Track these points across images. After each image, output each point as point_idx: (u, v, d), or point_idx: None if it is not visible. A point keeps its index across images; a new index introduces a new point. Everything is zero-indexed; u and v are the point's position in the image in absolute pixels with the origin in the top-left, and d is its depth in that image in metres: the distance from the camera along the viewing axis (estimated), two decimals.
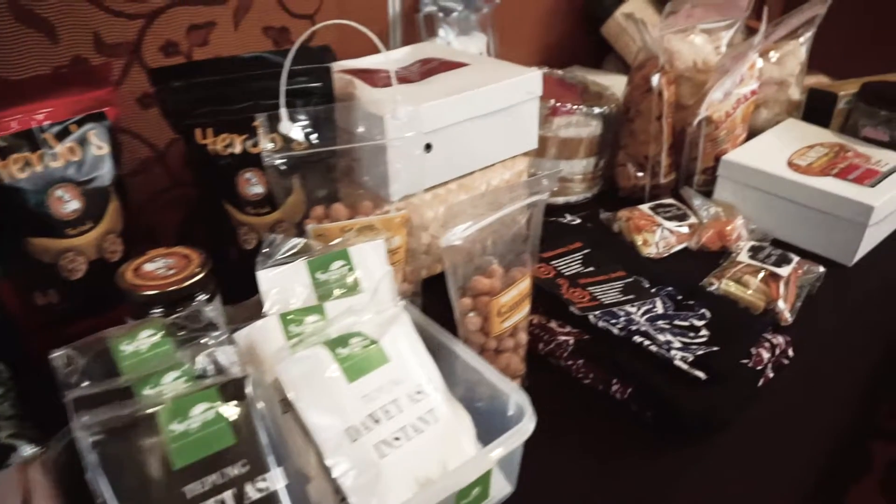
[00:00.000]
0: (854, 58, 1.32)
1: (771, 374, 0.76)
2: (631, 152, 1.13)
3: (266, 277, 0.61)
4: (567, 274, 0.86)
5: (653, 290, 0.84)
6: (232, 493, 0.47)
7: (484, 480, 0.55)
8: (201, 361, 0.53)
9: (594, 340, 0.76)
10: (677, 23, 1.14)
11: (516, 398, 0.58)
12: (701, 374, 0.69)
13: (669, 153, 1.11)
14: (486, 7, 1.20)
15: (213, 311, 0.58)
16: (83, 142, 0.72)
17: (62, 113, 0.71)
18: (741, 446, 0.74)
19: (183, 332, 0.56)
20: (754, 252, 0.93)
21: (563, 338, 0.77)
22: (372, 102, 0.77)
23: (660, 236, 0.99)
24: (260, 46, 1.01)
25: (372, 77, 0.86)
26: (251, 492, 0.47)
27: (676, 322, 0.78)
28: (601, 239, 0.98)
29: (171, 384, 0.51)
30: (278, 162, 0.71)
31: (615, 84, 1.19)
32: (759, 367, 0.74)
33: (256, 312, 0.60)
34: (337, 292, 0.62)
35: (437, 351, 0.61)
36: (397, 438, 0.53)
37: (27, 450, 0.59)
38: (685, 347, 0.73)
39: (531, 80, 0.89)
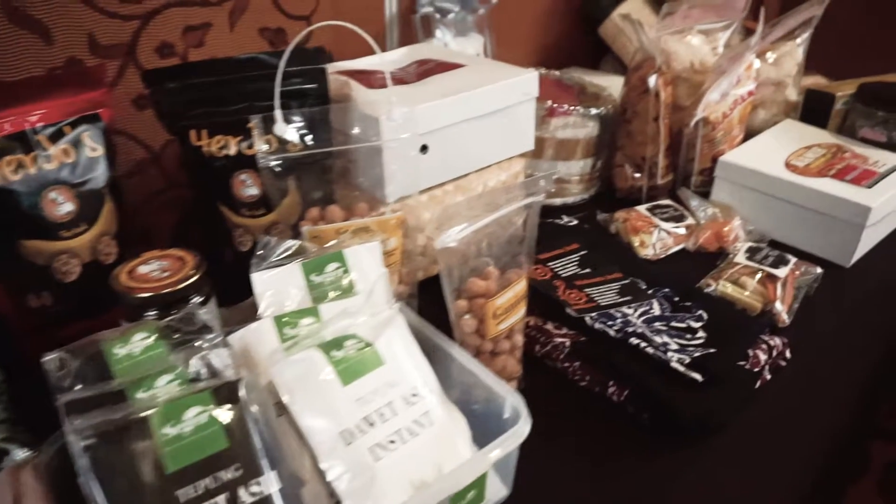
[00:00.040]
0: (851, 58, 1.32)
1: (768, 376, 0.76)
2: (628, 153, 1.13)
3: (260, 280, 0.61)
4: (564, 275, 0.86)
5: (650, 292, 0.84)
6: (225, 497, 0.46)
7: (479, 483, 0.55)
8: (195, 364, 0.52)
9: (591, 342, 0.76)
10: (674, 24, 1.14)
11: (512, 401, 0.58)
12: (697, 376, 0.69)
13: (667, 154, 1.11)
14: (482, 8, 1.20)
15: (207, 313, 0.58)
16: (77, 143, 0.72)
17: (56, 115, 0.71)
18: (738, 448, 0.74)
19: (177, 335, 0.55)
20: (751, 253, 0.93)
21: (560, 340, 0.77)
22: (367, 104, 0.77)
23: (657, 237, 0.99)
24: (256, 48, 1.01)
25: (368, 78, 0.86)
26: (244, 496, 0.47)
27: (673, 324, 0.78)
28: (598, 240, 0.97)
29: (165, 387, 0.51)
30: (273, 163, 0.70)
31: (612, 85, 1.19)
32: (757, 369, 0.74)
33: (251, 315, 0.60)
34: (332, 294, 0.62)
35: (432, 353, 0.61)
36: (392, 441, 0.53)
37: (19, 454, 0.59)
38: (682, 349, 0.73)
39: (527, 81, 0.89)
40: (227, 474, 0.47)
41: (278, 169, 0.71)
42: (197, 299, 0.65)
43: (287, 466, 0.51)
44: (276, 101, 0.71)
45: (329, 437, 0.51)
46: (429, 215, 0.85)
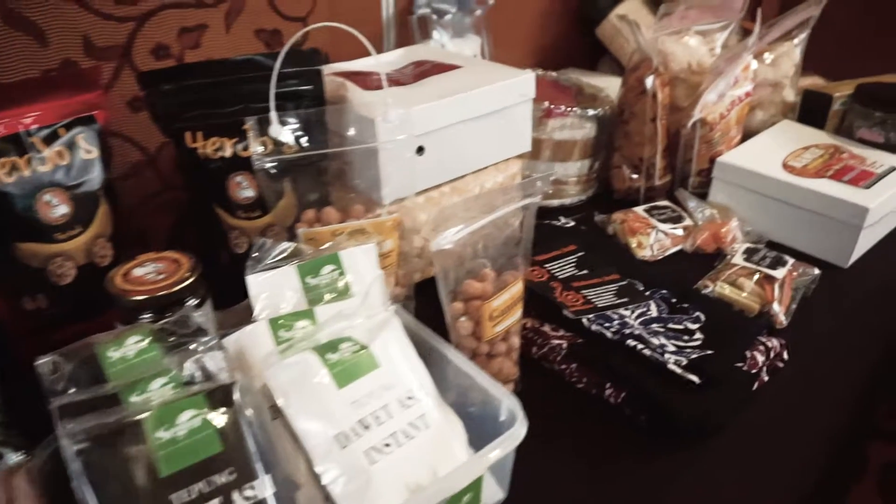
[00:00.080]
0: (849, 59, 1.32)
1: (766, 378, 0.76)
2: (626, 154, 1.13)
3: (255, 282, 0.61)
4: (561, 277, 0.86)
5: (647, 293, 0.84)
6: (219, 501, 0.46)
7: (475, 486, 0.55)
8: (189, 368, 0.52)
9: (588, 344, 0.76)
10: (671, 25, 1.14)
11: (508, 403, 0.58)
12: (695, 378, 0.69)
13: (664, 155, 1.11)
14: (479, 9, 1.20)
15: (202, 316, 0.57)
16: (72, 146, 0.72)
17: (50, 117, 0.70)
18: (736, 450, 0.74)
19: (172, 338, 0.55)
20: (749, 254, 0.92)
21: (557, 341, 0.77)
22: (363, 105, 0.77)
23: (654, 239, 0.99)
24: (252, 49, 1.01)
25: (364, 80, 0.86)
26: (238, 500, 0.46)
27: (670, 325, 0.77)
28: (595, 241, 0.97)
29: (159, 391, 0.50)
30: (269, 165, 0.70)
31: (610, 86, 1.19)
32: (754, 371, 0.74)
33: (246, 317, 0.60)
34: (327, 297, 0.62)
35: (428, 355, 0.61)
36: (388, 444, 0.53)
37: (12, 457, 0.58)
38: (679, 351, 0.73)
39: (524, 82, 0.89)
40: (221, 478, 0.46)
41: (274, 171, 0.71)
42: (192, 302, 0.65)
43: (282, 470, 0.51)
44: (272, 103, 0.71)
45: (324, 441, 0.51)
46: (425, 217, 0.85)
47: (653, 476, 0.66)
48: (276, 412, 0.52)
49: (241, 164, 0.77)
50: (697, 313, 0.80)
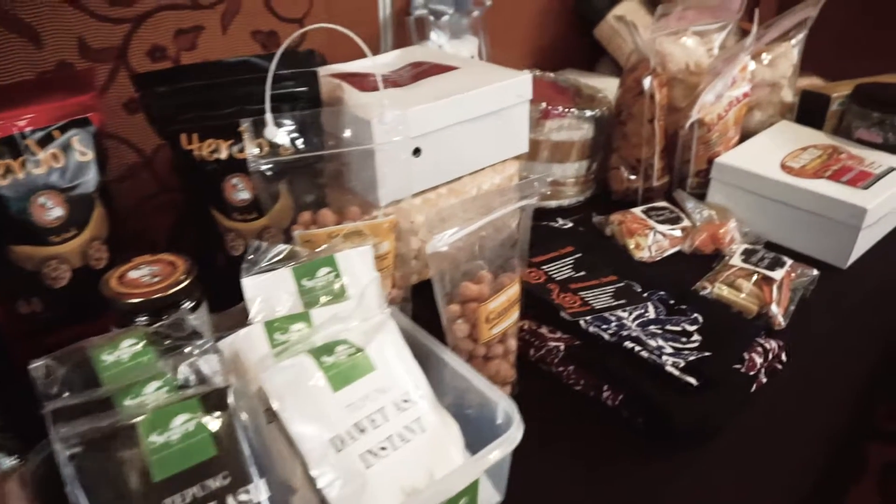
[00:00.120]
0: (847, 59, 1.31)
1: (764, 379, 0.75)
2: (623, 155, 1.13)
3: (251, 285, 0.60)
4: (558, 279, 0.85)
5: (645, 295, 0.83)
6: None
7: (472, 490, 0.54)
8: (183, 371, 0.52)
9: (585, 346, 0.76)
10: (669, 25, 1.14)
11: (504, 406, 0.57)
12: (692, 380, 0.69)
13: (662, 156, 1.10)
14: (477, 10, 1.20)
15: (196, 319, 0.57)
16: (66, 148, 0.71)
17: (45, 119, 0.70)
18: (734, 452, 0.73)
19: (167, 341, 0.55)
20: (747, 255, 0.92)
21: (554, 343, 0.77)
22: (359, 106, 0.77)
23: (652, 240, 0.99)
24: (248, 50, 1.00)
25: (360, 81, 0.85)
26: None
27: (668, 327, 0.77)
28: (593, 243, 0.97)
29: (153, 394, 0.50)
30: (264, 167, 0.70)
31: (609, 87, 1.19)
32: (752, 373, 0.74)
33: (242, 320, 0.60)
34: (323, 299, 0.61)
35: (425, 358, 0.61)
36: (383, 448, 0.53)
37: (6, 462, 0.58)
38: (677, 353, 0.72)
39: (521, 83, 0.88)
40: (216, 483, 0.46)
41: (269, 173, 0.71)
42: (187, 304, 0.65)
43: (277, 474, 0.51)
44: (267, 105, 0.70)
45: (319, 444, 0.51)
46: (422, 219, 0.84)
47: (650, 478, 0.66)
48: (272, 416, 0.52)
49: (237, 166, 0.76)
50: (695, 315, 0.79)
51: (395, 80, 0.89)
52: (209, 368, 0.52)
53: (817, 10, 1.16)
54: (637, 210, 1.05)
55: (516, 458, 0.58)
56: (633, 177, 1.12)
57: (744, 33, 1.15)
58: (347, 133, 0.76)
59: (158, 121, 0.77)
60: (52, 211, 0.71)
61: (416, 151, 0.81)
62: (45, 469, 0.50)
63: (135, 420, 0.46)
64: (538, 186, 0.67)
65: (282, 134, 0.72)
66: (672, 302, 0.82)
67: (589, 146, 1.09)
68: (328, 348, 0.55)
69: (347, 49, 0.82)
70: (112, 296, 0.63)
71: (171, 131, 0.76)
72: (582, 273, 0.87)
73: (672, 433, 0.68)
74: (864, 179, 0.98)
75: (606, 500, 0.64)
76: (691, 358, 0.71)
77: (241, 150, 0.76)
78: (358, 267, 0.63)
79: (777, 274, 0.87)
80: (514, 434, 0.55)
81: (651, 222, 1.01)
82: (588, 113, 1.06)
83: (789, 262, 0.90)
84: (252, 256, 0.62)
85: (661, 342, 0.74)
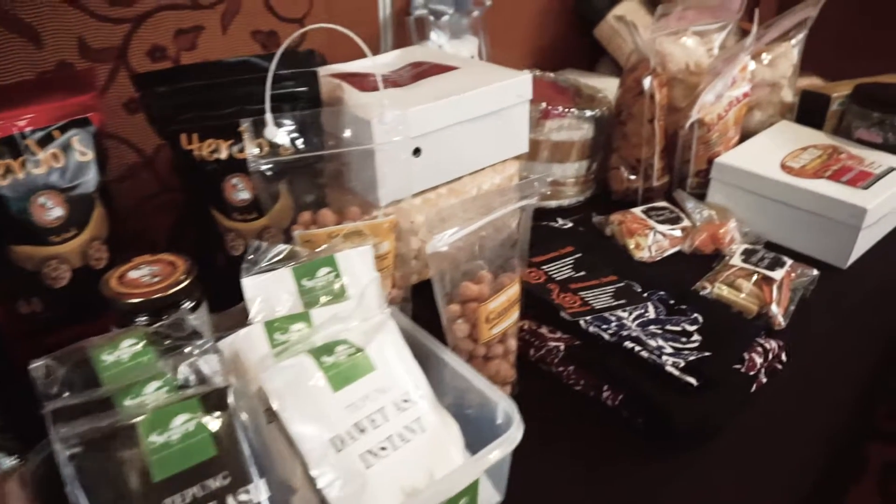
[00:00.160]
0: (846, 59, 1.31)
1: (764, 380, 0.75)
2: (623, 155, 1.13)
3: (251, 285, 0.60)
4: (558, 279, 0.85)
5: (645, 295, 0.83)
6: None
7: (472, 490, 0.54)
8: (183, 371, 0.52)
9: (585, 346, 0.76)
10: (669, 25, 1.14)
11: (504, 406, 0.57)
12: (692, 380, 0.69)
13: (662, 156, 1.10)
14: (477, 10, 1.20)
15: (196, 319, 0.57)
16: (66, 148, 0.71)
17: (45, 119, 0.70)
18: (734, 452, 0.73)
19: (167, 342, 0.55)
20: (747, 255, 0.92)
21: (554, 343, 0.77)
22: (359, 106, 0.77)
23: (652, 240, 0.99)
24: (248, 50, 1.00)
25: (360, 81, 0.85)
26: None
27: (668, 327, 0.77)
28: (593, 243, 0.97)
29: (153, 394, 0.50)
30: (264, 167, 0.70)
31: (609, 87, 1.19)
32: (752, 373, 0.74)
33: (242, 320, 0.59)
34: (323, 299, 0.61)
35: (425, 358, 0.61)
36: (383, 448, 0.53)
37: (6, 462, 0.58)
38: (677, 353, 0.72)
39: (521, 83, 0.88)
40: (215, 483, 0.46)
41: (269, 173, 0.71)
42: (187, 304, 0.65)
43: (277, 474, 0.51)
44: (267, 105, 0.70)
45: (319, 444, 0.51)
46: (422, 219, 0.84)
47: (650, 478, 0.66)
48: (272, 416, 0.52)
49: (237, 166, 0.76)
50: (695, 315, 0.79)
51: (395, 80, 0.89)
52: (209, 368, 0.52)
53: (817, 10, 1.16)
54: (637, 210, 1.05)
55: (516, 458, 0.58)
56: (633, 177, 1.12)
57: (744, 33, 1.16)
58: (347, 133, 0.76)
59: (158, 121, 0.77)
60: (52, 211, 0.71)
61: (417, 151, 0.81)
62: (45, 469, 0.50)
63: (135, 420, 0.46)
64: (538, 186, 0.67)
65: (282, 134, 0.72)
66: (672, 302, 0.82)
67: (589, 146, 1.09)
68: (328, 348, 0.55)
69: (348, 49, 0.82)
70: (112, 296, 0.63)
71: (170, 131, 0.76)
72: (582, 273, 0.87)
73: (672, 433, 0.68)
74: (864, 179, 0.98)
75: (606, 501, 0.64)
76: (691, 358, 0.71)
77: (241, 150, 0.76)
78: (358, 267, 0.63)
79: (777, 274, 0.87)
80: (514, 434, 0.55)
81: (651, 222, 1.01)
82: (588, 113, 1.06)
83: (789, 262, 0.90)
84: (252, 256, 0.62)
85: (661, 342, 0.74)
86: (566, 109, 1.05)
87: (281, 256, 0.63)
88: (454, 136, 0.84)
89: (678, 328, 0.77)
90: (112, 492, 0.44)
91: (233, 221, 0.80)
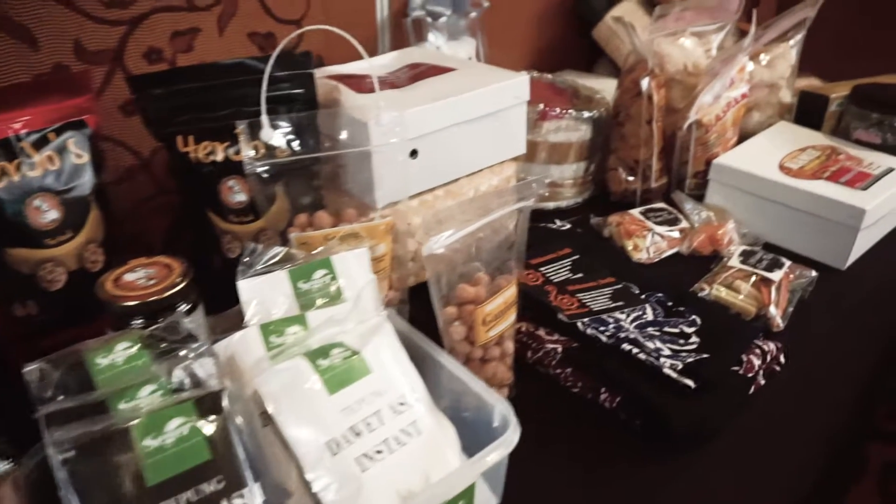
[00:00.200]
0: (845, 60, 1.31)
1: (762, 381, 0.75)
2: (621, 156, 1.12)
3: (247, 287, 0.60)
4: (555, 280, 0.85)
5: (643, 297, 0.83)
6: None
7: (468, 493, 0.54)
8: (178, 374, 0.51)
9: (582, 348, 0.75)
10: (667, 26, 1.14)
11: (501, 409, 0.57)
12: (690, 383, 0.68)
13: (660, 157, 1.10)
14: (474, 11, 1.20)
15: (192, 322, 0.57)
16: (62, 150, 0.71)
17: (40, 121, 0.70)
18: (733, 454, 0.73)
19: (163, 345, 0.54)
20: (746, 256, 0.92)
21: (552, 346, 0.76)
22: (356, 108, 0.76)
23: (650, 241, 0.99)
24: (245, 52, 1.00)
25: (357, 83, 0.85)
26: None
27: (666, 329, 0.77)
28: (591, 244, 0.97)
29: (147, 398, 0.50)
30: (260, 170, 0.70)
31: (607, 88, 1.19)
32: (750, 375, 0.73)
33: (238, 322, 0.59)
34: (319, 302, 0.61)
35: (421, 361, 0.60)
36: (379, 451, 0.52)
37: (0, 466, 0.58)
38: (675, 355, 0.72)
39: (518, 84, 0.88)
40: (210, 487, 0.46)
41: (266, 175, 0.70)
42: (183, 307, 0.64)
43: (272, 478, 0.50)
44: (263, 107, 0.70)
45: (315, 448, 0.51)
46: (419, 220, 0.84)
47: (648, 480, 0.66)
48: (267, 419, 0.52)
49: (233, 168, 0.76)
50: (693, 316, 0.79)
51: (392, 82, 0.88)
52: (204, 372, 0.52)
53: (815, 10, 1.16)
54: (635, 211, 1.05)
55: (513, 461, 0.57)
56: (631, 178, 1.12)
57: (742, 34, 1.15)
58: (344, 135, 0.75)
59: (154, 123, 0.76)
60: (47, 213, 0.71)
61: (413, 153, 0.81)
62: (39, 473, 0.49)
63: (129, 424, 0.46)
64: (536, 188, 0.67)
65: (278, 136, 0.71)
66: (670, 304, 0.82)
67: (587, 147, 1.09)
68: (324, 351, 0.55)
69: (345, 51, 0.82)
70: (107, 298, 0.63)
71: (166, 133, 0.76)
72: (580, 275, 0.87)
73: (669, 436, 0.67)
74: (862, 180, 0.98)
75: (604, 503, 0.64)
76: (689, 360, 0.71)
77: (238, 152, 0.76)
78: (354, 269, 0.63)
79: (775, 275, 0.87)
80: (511, 437, 0.54)
81: (649, 223, 1.01)
82: (586, 114, 1.06)
83: (788, 263, 0.90)
84: (248, 259, 0.62)
85: (658, 344, 0.74)
86: (564, 111, 1.04)
87: (277, 259, 0.63)
88: (451, 138, 0.83)
89: (676, 330, 0.77)
90: (106, 496, 0.44)
91: (229, 224, 0.79)
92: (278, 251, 0.63)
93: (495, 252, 0.67)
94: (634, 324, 0.77)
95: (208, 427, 0.47)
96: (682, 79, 1.13)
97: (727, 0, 1.18)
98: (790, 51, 1.21)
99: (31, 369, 0.49)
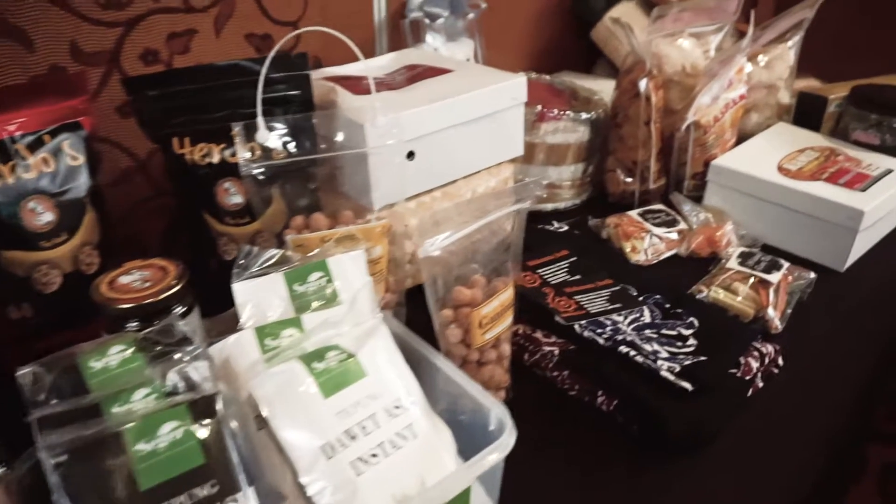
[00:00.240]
0: (843, 61, 1.31)
1: (760, 384, 0.75)
2: (620, 158, 1.12)
3: (242, 290, 0.60)
4: (553, 282, 0.85)
5: (640, 299, 0.83)
6: None
7: (464, 497, 0.54)
8: (172, 378, 0.51)
9: (580, 351, 0.75)
10: (665, 27, 1.14)
11: (497, 412, 0.57)
12: (687, 385, 0.68)
13: (658, 158, 1.10)
14: (472, 12, 1.19)
15: (186, 325, 0.57)
16: (57, 152, 0.71)
17: (35, 123, 0.69)
18: (731, 456, 0.73)
19: (157, 348, 0.54)
20: (744, 258, 0.92)
21: (549, 348, 0.76)
22: (352, 110, 0.76)
23: (649, 243, 0.98)
24: (242, 54, 1.00)
25: (354, 84, 0.85)
26: None
27: (664, 331, 0.77)
28: (588, 246, 0.96)
29: (141, 402, 0.49)
30: (256, 171, 0.69)
31: (606, 89, 1.18)
32: (748, 377, 0.73)
33: (234, 325, 0.59)
34: (315, 304, 0.61)
35: (417, 364, 0.60)
36: (374, 455, 0.52)
37: None
38: (672, 357, 0.72)
39: (515, 86, 0.88)
40: (203, 491, 0.46)
41: (262, 177, 0.70)
42: (179, 310, 0.64)
43: (267, 482, 0.50)
44: (258, 108, 0.70)
45: (310, 451, 0.50)
46: (416, 222, 0.84)
47: (646, 484, 0.65)
48: (262, 422, 0.51)
49: (229, 170, 0.76)
50: (691, 319, 0.79)
51: (389, 84, 0.88)
52: (199, 375, 0.52)
53: (814, 11, 1.16)
54: (633, 213, 1.04)
55: (509, 464, 0.57)
56: (629, 179, 1.11)
57: (740, 35, 1.15)
58: (340, 137, 0.75)
59: (150, 125, 0.76)
60: (42, 216, 0.70)
61: (410, 155, 0.80)
62: (32, 477, 0.49)
63: (122, 428, 0.46)
64: (533, 189, 0.67)
65: (274, 138, 0.71)
66: (668, 306, 0.82)
67: (585, 149, 1.08)
68: (319, 354, 0.55)
69: (343, 52, 0.82)
70: (102, 301, 0.62)
71: (162, 135, 0.76)
72: (577, 277, 0.87)
73: (667, 440, 0.67)
74: (861, 181, 0.98)
75: None
76: (687, 362, 0.71)
77: (234, 154, 0.75)
78: (350, 271, 0.63)
79: (774, 277, 0.87)
80: (507, 440, 0.54)
81: (647, 225, 1.01)
82: (584, 115, 1.06)
83: (786, 264, 0.90)
84: (243, 261, 0.61)
85: (656, 346, 0.73)
86: (562, 112, 1.04)
87: (273, 261, 0.62)
88: (448, 140, 0.83)
89: (674, 332, 0.77)
90: (98, 500, 0.44)
91: (225, 226, 0.79)
92: (274, 253, 0.62)
93: (492, 254, 0.66)
94: (632, 326, 0.77)
95: (202, 431, 0.47)
96: (681, 80, 1.13)
97: (725, 1, 1.18)
98: (788, 52, 1.21)
99: (24, 372, 0.49)
